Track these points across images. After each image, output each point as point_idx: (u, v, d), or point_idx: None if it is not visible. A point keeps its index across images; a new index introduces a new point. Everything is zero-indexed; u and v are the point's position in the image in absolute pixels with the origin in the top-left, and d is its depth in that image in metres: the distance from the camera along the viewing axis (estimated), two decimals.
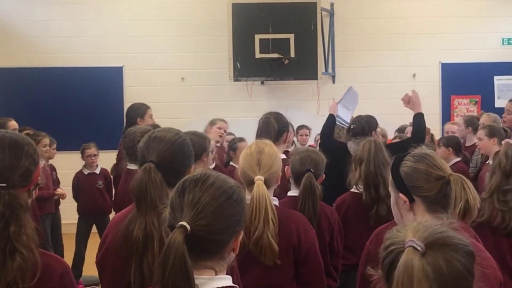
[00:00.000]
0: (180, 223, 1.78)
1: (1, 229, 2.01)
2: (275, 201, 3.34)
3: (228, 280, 1.89)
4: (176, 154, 2.68)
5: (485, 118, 7.21)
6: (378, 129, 6.30)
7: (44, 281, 2.07)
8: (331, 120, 6.16)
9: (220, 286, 1.86)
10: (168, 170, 2.61)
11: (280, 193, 3.80)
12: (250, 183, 3.15)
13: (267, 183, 3.19)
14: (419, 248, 1.53)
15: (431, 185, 2.36)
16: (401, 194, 2.42)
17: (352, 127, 5.91)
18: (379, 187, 4.30)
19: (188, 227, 1.77)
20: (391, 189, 2.52)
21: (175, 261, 1.72)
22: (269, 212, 3.06)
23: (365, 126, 5.86)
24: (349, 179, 4.51)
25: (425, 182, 2.37)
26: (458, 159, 6.73)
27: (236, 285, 1.92)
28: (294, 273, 3.33)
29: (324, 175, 3.94)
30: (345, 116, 6.58)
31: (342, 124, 6.52)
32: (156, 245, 2.49)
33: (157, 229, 2.50)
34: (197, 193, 1.84)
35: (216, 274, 1.86)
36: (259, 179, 3.14)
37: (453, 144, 6.83)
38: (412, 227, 1.61)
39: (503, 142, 5.84)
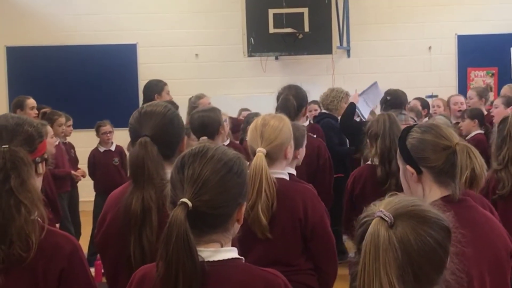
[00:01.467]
0: (181, 200, 1.78)
1: (2, 180, 2.04)
2: (283, 175, 3.31)
3: (234, 252, 1.91)
4: (168, 126, 2.70)
5: (506, 89, 7.17)
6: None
7: (53, 260, 2.09)
8: (352, 108, 6.18)
9: (226, 258, 1.87)
10: (162, 143, 2.62)
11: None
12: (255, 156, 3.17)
13: (271, 156, 3.20)
14: (386, 219, 1.54)
15: (437, 155, 2.34)
16: (408, 166, 2.40)
17: (388, 98, 5.93)
18: (392, 162, 4.29)
19: (190, 203, 1.77)
20: (399, 161, 2.50)
21: (178, 239, 1.74)
22: (263, 184, 3.07)
23: (402, 97, 5.91)
24: (366, 154, 4.49)
25: (431, 153, 2.34)
26: (480, 131, 6.68)
27: (242, 257, 1.93)
28: (303, 248, 3.32)
29: (301, 149, 3.81)
30: (364, 110, 6.57)
31: (360, 116, 6.53)
32: (154, 217, 2.50)
33: (155, 201, 2.51)
34: (197, 168, 1.83)
35: (222, 246, 1.87)
36: (260, 151, 3.15)
37: (478, 116, 6.78)
38: (387, 200, 1.62)
39: (509, 110, 5.80)
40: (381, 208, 1.57)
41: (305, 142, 3.88)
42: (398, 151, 2.49)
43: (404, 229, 1.54)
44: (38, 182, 2.23)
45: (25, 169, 2.09)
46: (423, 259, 1.53)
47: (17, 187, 2.05)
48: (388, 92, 6.24)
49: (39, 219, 2.10)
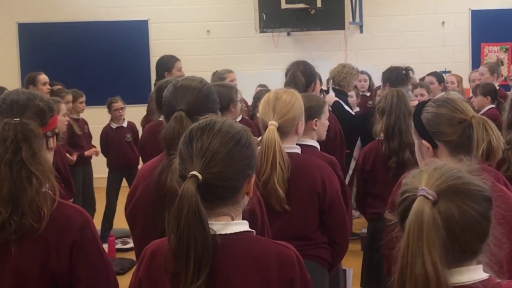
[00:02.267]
0: (191, 172, 1.80)
1: (13, 151, 2.06)
2: (296, 149, 3.33)
3: (244, 225, 1.92)
4: (203, 101, 2.67)
5: None
6: None
7: (65, 232, 2.11)
8: (338, 105, 6.00)
9: (237, 231, 1.89)
10: (197, 118, 2.60)
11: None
12: (266, 129, 3.17)
13: (283, 130, 3.20)
14: (430, 197, 1.54)
15: (453, 129, 2.33)
16: (423, 141, 2.39)
17: (404, 73, 5.88)
18: (394, 139, 4.29)
19: (200, 176, 1.79)
20: (414, 137, 2.49)
21: (189, 211, 1.76)
22: (277, 157, 3.08)
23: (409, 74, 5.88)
24: (374, 129, 4.49)
25: (447, 127, 2.34)
26: (493, 105, 6.65)
27: (253, 230, 1.94)
28: (319, 222, 3.34)
29: (317, 120, 3.78)
30: None
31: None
32: None
33: None
34: (205, 141, 1.85)
35: (232, 219, 1.89)
36: (272, 124, 3.16)
37: (491, 92, 6.74)
38: (427, 173, 1.60)
39: None
40: (423, 185, 1.56)
41: (324, 114, 3.87)
42: (413, 126, 2.48)
43: (448, 205, 1.54)
44: (49, 156, 2.25)
45: (36, 141, 2.11)
46: (468, 234, 1.54)
47: (28, 158, 2.07)
48: (400, 67, 6.11)
49: (50, 191, 2.12)
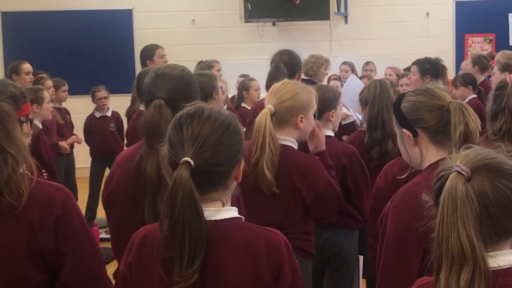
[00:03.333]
0: (183, 159, 1.81)
1: None
2: (290, 143, 3.27)
3: (234, 212, 1.95)
4: (184, 90, 2.65)
5: (500, 56, 7.15)
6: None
7: (48, 208, 2.11)
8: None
9: (227, 217, 1.91)
10: (177, 106, 2.57)
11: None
12: None
13: (279, 118, 3.19)
14: (464, 173, 1.56)
15: (432, 115, 2.38)
16: (404, 130, 2.43)
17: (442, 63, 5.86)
18: (377, 129, 4.31)
19: (192, 162, 1.81)
20: (395, 127, 2.54)
21: (184, 197, 1.77)
22: (266, 139, 3.08)
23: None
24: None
25: (426, 113, 2.39)
26: (474, 95, 6.69)
27: (242, 216, 1.97)
28: (303, 215, 3.34)
29: (333, 111, 3.83)
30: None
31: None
32: (168, 181, 2.51)
33: None
34: (196, 127, 1.86)
35: (223, 204, 1.92)
36: (267, 107, 3.17)
37: (471, 81, 6.78)
38: (464, 154, 1.63)
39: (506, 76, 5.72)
40: (458, 163, 1.59)
41: (340, 105, 3.91)
42: (393, 117, 2.52)
43: (481, 182, 1.56)
44: (25, 141, 2.25)
45: (10, 121, 2.11)
46: (501, 211, 1.55)
47: (3, 138, 2.08)
48: (432, 58, 6.07)
49: (27, 172, 2.13)
